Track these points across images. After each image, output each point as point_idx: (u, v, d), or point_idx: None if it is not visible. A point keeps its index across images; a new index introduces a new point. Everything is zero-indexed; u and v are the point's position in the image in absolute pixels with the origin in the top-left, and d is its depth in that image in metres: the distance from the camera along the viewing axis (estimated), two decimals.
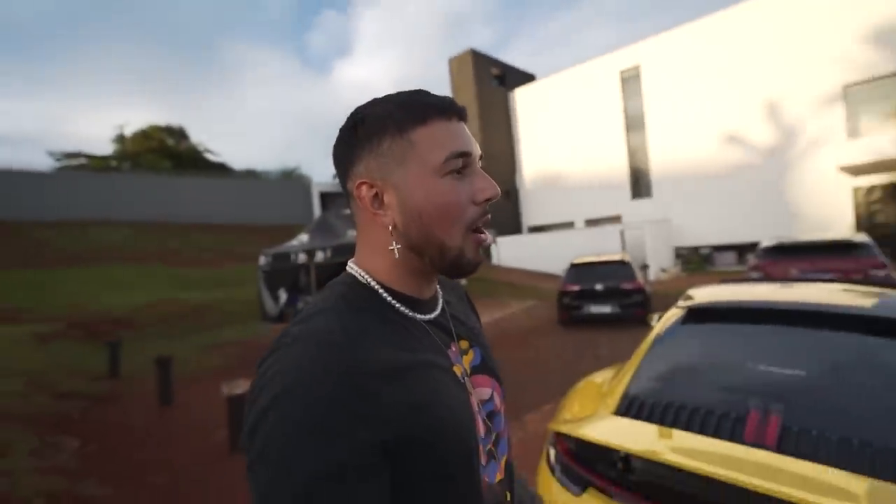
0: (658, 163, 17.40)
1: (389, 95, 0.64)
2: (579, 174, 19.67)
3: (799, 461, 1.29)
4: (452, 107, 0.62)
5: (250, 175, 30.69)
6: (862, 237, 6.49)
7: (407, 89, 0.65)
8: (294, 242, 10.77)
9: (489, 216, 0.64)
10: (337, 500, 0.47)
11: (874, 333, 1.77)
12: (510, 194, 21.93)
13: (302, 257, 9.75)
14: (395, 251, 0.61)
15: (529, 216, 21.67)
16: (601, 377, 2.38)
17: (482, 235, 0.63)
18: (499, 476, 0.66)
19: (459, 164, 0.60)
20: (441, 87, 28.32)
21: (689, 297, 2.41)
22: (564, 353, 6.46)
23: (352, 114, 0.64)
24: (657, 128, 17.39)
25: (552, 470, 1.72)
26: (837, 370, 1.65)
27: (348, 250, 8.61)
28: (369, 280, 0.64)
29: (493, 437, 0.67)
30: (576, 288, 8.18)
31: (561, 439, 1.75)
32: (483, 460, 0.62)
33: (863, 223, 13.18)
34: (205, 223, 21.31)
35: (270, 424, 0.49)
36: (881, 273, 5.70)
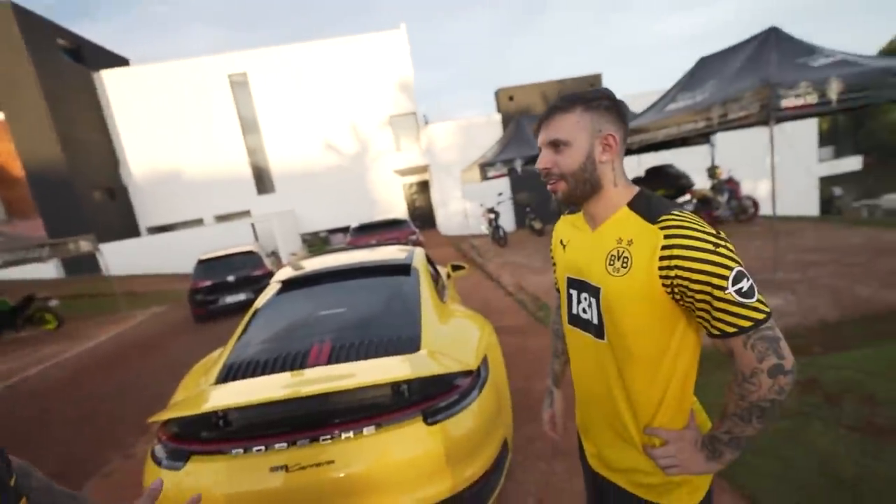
0: (277, 162, 17.65)
1: None
2: (203, 171, 17.37)
3: (338, 365, 1.71)
4: None
5: None
6: (404, 216, 9.15)
7: None
8: None
9: None
10: None
11: (386, 273, 2.49)
12: (114, 193, 16.87)
13: None
14: None
15: (147, 216, 17.51)
16: (215, 354, 2.31)
17: None
18: None
19: None
20: None
21: (284, 272, 2.65)
22: (202, 348, 5.77)
23: None
24: (271, 131, 17.51)
25: (158, 462, 1.57)
26: (364, 300, 2.25)
27: None
28: None
29: None
30: (207, 283, 7.42)
31: (163, 427, 1.62)
32: None
33: (410, 207, 18.08)
34: None
35: None
36: (413, 237, 8.23)
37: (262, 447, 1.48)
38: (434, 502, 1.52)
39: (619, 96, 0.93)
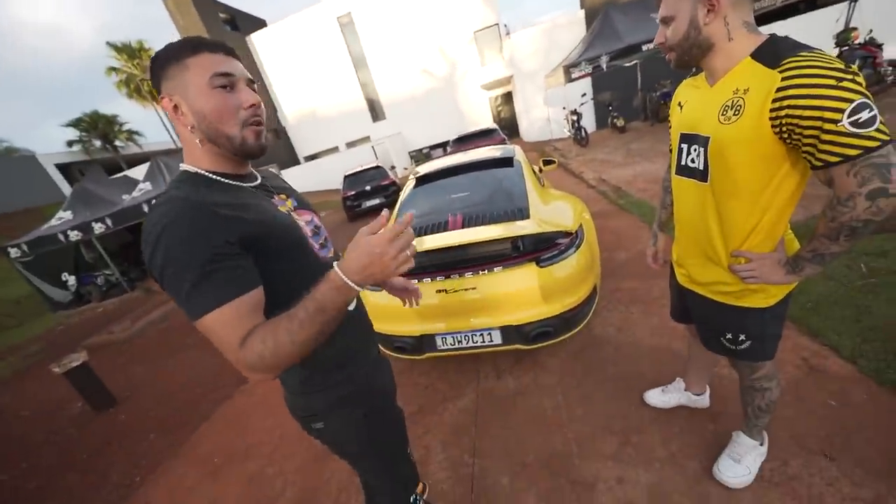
0: (385, 93, 17.40)
1: (176, 42, 0.67)
2: (332, 108, 18.08)
3: (470, 228, 1.95)
4: (217, 44, 0.68)
5: None
6: (493, 125, 8.61)
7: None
8: (54, 222, 7.19)
9: (260, 117, 0.72)
10: (219, 269, 0.60)
11: (494, 166, 2.57)
12: (279, 133, 18.78)
13: (75, 234, 6.70)
14: (199, 142, 0.69)
15: (301, 148, 19.39)
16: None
17: (258, 128, 0.72)
18: (331, 254, 0.87)
19: (223, 80, 0.66)
20: (167, 28, 20.01)
21: (416, 172, 2.89)
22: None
23: (152, 56, 0.68)
24: (377, 65, 16.95)
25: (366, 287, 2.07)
26: (481, 186, 2.39)
27: (131, 215, 6.33)
28: (195, 169, 0.70)
29: (323, 238, 0.87)
30: (352, 192, 8.31)
31: None
32: (317, 247, 0.81)
33: (495, 118, 16.79)
34: None
35: (164, 245, 0.59)
36: (503, 143, 7.86)
37: (429, 278, 1.86)
38: (543, 317, 1.79)
39: None
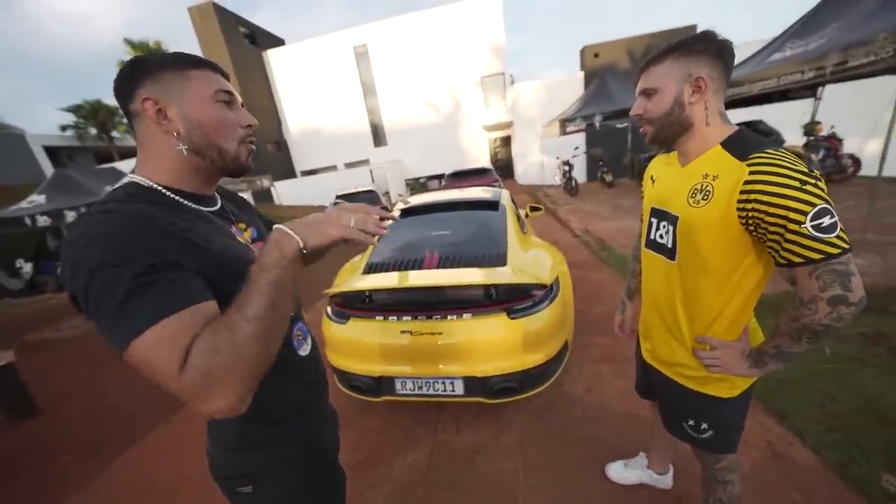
0: (389, 120, 17.95)
1: (167, 53, 0.64)
2: (336, 128, 18.47)
3: (445, 269, 1.90)
4: (218, 66, 0.68)
5: None
6: (489, 166, 8.88)
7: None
8: (24, 205, 6.82)
9: (254, 137, 0.71)
10: (159, 280, 0.50)
11: (479, 208, 2.57)
12: (280, 145, 18.94)
13: (44, 220, 6.34)
14: (183, 150, 0.62)
15: (300, 163, 19.52)
16: (357, 258, 2.69)
17: (251, 146, 0.70)
18: None
19: (226, 97, 0.65)
20: (186, 35, 20.41)
21: (402, 203, 2.88)
22: (341, 257, 6.66)
23: (132, 59, 0.62)
24: (385, 94, 17.61)
25: (330, 317, 1.98)
26: (463, 226, 2.37)
27: None
28: (150, 183, 0.61)
29: None
30: None
31: (332, 298, 2.01)
32: None
33: (493, 158, 17.40)
34: None
35: (91, 258, 0.48)
36: (496, 184, 8.03)
37: (395, 317, 1.77)
38: (508, 372, 1.71)
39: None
